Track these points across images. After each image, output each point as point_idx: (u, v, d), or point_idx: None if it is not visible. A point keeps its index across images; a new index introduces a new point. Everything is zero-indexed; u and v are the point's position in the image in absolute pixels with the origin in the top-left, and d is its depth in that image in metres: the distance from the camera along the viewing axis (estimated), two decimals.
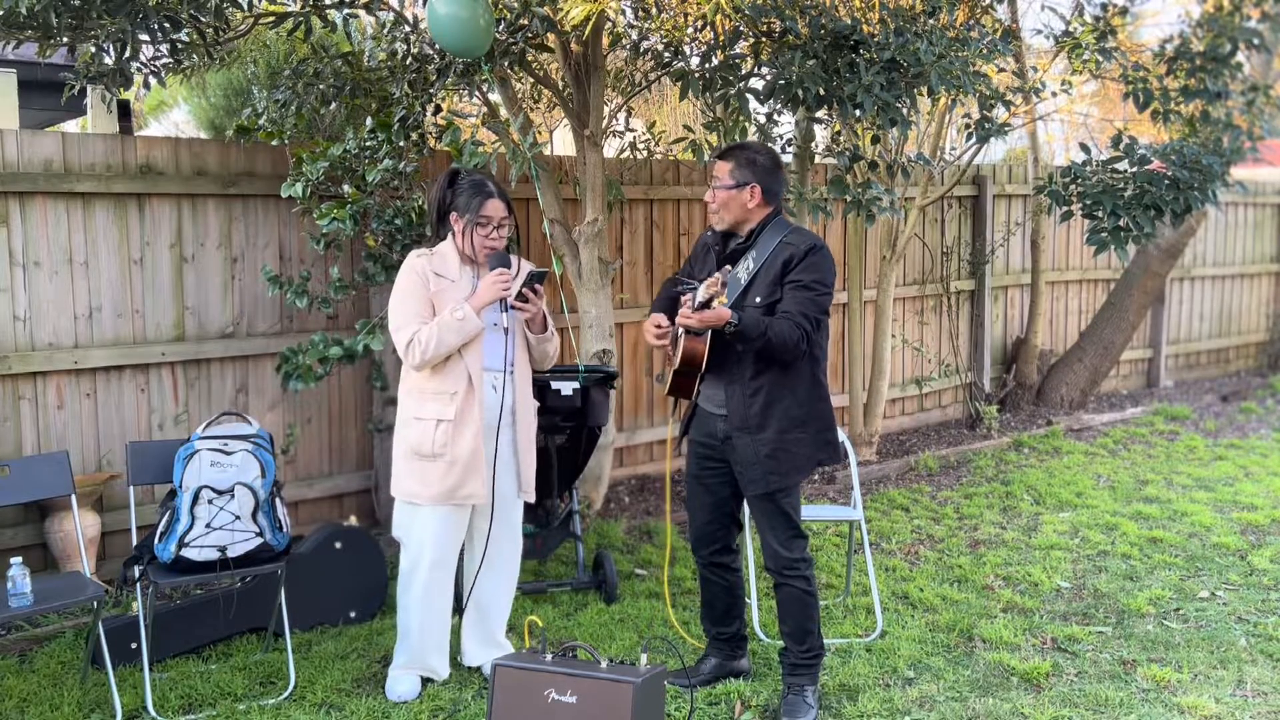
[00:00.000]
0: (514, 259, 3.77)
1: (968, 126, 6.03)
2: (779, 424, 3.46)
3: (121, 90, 5.07)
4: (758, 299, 3.42)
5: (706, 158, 5.39)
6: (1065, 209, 5.75)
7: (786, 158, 6.32)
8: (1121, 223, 5.53)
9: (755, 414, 3.46)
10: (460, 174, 3.72)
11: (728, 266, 3.38)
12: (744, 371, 3.46)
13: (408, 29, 5.24)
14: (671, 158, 6.58)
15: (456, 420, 3.61)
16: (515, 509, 3.87)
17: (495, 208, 3.64)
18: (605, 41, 5.27)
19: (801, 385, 3.48)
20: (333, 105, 5.33)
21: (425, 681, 3.81)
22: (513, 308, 3.63)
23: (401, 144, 4.88)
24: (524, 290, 3.61)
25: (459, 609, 3.99)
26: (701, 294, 3.29)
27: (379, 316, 4.91)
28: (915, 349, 7.84)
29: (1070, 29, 6.50)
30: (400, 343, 3.59)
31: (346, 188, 4.83)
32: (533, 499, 3.88)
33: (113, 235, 4.74)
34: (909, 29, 4.80)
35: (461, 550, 3.89)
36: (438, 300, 3.63)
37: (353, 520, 4.99)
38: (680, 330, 3.43)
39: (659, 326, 3.55)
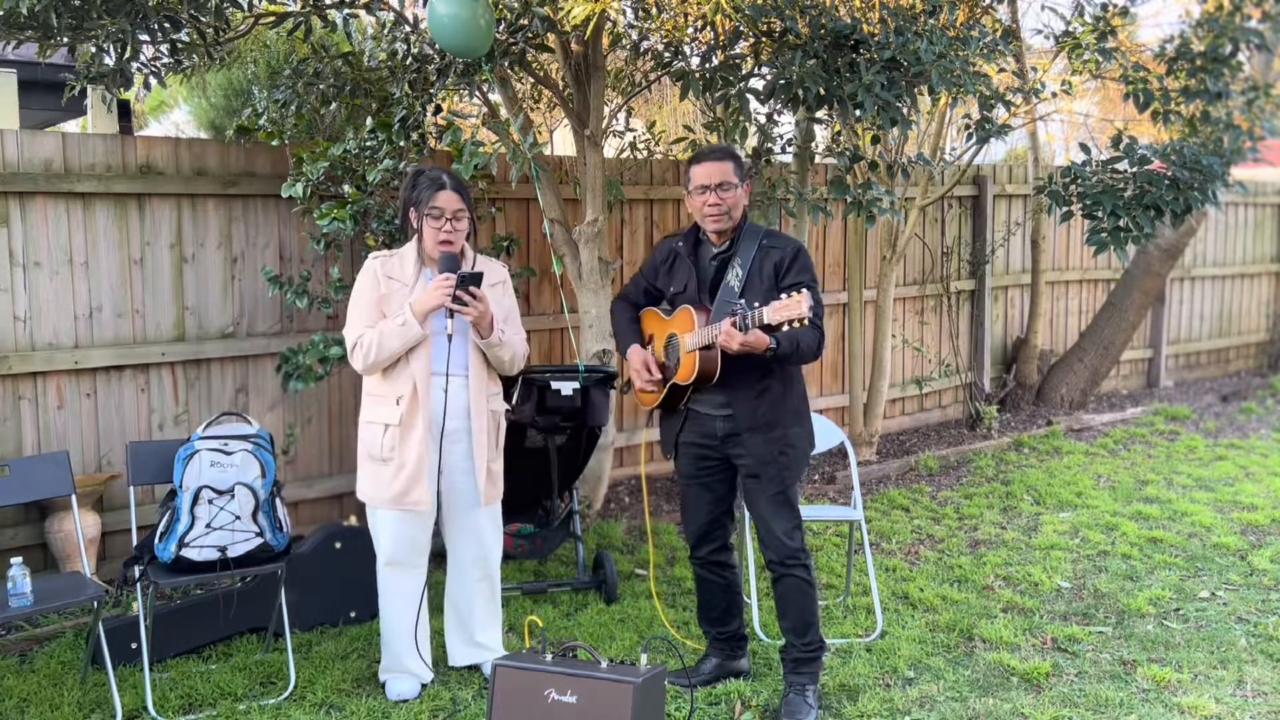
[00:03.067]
0: (482, 262, 3.73)
1: (968, 126, 6.03)
2: (786, 420, 3.55)
3: (121, 90, 5.07)
4: (755, 304, 3.43)
5: None
6: (1065, 209, 5.75)
7: (786, 158, 6.32)
8: (1121, 223, 5.53)
9: (764, 413, 3.52)
10: (424, 171, 3.68)
11: (803, 290, 3.21)
12: (749, 373, 3.49)
13: (408, 29, 5.24)
14: (671, 158, 6.58)
15: (403, 425, 3.58)
16: (478, 514, 3.74)
17: (447, 199, 3.57)
18: (605, 41, 5.27)
19: (794, 382, 3.60)
20: (333, 105, 5.33)
21: (425, 683, 3.81)
22: (451, 312, 3.52)
23: (402, 144, 4.88)
24: (458, 293, 3.49)
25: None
26: (770, 316, 3.20)
27: None
28: (915, 349, 7.84)
29: (1070, 29, 6.50)
30: (348, 346, 3.62)
31: (346, 188, 4.83)
32: (491, 505, 3.77)
33: (113, 235, 4.74)
34: (909, 29, 4.80)
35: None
36: (386, 303, 3.61)
37: (353, 520, 4.99)
38: (694, 347, 3.43)
39: (651, 373, 3.58)
